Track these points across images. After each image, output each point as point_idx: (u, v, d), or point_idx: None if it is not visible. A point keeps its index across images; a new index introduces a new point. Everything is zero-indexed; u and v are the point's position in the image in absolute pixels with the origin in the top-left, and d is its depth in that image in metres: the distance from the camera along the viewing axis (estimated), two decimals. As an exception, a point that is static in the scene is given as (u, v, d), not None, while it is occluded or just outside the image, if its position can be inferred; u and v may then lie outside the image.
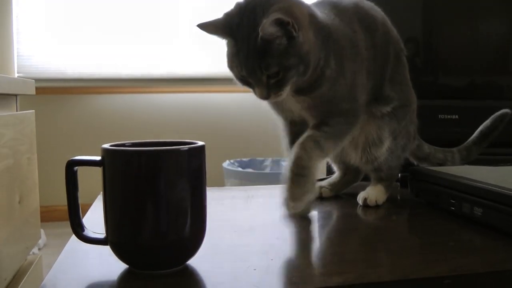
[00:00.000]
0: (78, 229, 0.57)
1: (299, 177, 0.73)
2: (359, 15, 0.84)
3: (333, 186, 0.94)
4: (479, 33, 1.65)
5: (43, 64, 3.12)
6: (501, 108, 1.51)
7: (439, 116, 1.47)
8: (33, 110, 1.12)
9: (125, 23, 3.19)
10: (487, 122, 1.01)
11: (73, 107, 3.19)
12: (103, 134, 3.18)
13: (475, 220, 0.73)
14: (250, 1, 0.71)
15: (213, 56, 3.03)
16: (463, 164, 1.00)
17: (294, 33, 0.68)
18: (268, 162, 3.15)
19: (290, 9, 0.70)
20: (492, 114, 1.51)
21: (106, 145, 0.56)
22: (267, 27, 0.65)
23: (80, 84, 3.17)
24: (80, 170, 0.56)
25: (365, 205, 0.85)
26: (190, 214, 0.55)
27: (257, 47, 0.68)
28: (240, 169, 2.95)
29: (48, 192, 2.51)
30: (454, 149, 1.01)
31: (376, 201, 0.85)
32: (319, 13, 0.77)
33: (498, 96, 1.59)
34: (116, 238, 0.55)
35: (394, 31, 0.90)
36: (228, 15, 0.72)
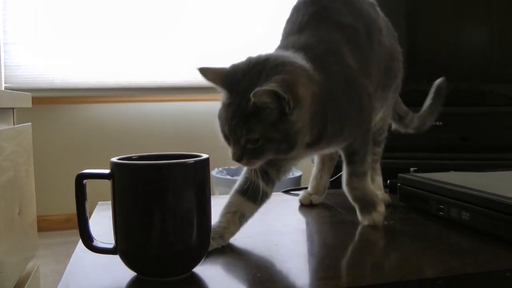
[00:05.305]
0: (87, 240, 0.60)
1: (368, 205, 0.82)
2: (345, 36, 0.82)
3: (318, 187, 0.96)
4: (462, 40, 1.69)
5: (30, 75, 3.12)
6: (484, 114, 1.56)
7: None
8: (30, 123, 1.13)
9: (116, 32, 3.19)
10: (431, 96, 1.07)
11: (61, 117, 3.19)
12: (91, 143, 3.18)
13: (463, 224, 0.76)
14: (261, 62, 0.69)
15: (201, 65, 3.05)
16: (417, 131, 1.08)
17: (287, 110, 0.65)
18: (256, 169, 3.17)
19: (293, 85, 0.66)
20: (475, 120, 1.56)
21: (115, 159, 0.58)
22: (260, 94, 0.62)
23: (68, 94, 3.17)
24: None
25: None
26: (196, 224, 0.58)
27: (247, 108, 0.65)
28: (229, 177, 2.97)
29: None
30: (415, 115, 1.07)
31: (389, 201, 0.94)
32: (320, 75, 0.72)
33: (482, 103, 1.63)
34: (125, 248, 0.58)
35: (371, 18, 0.88)
36: (234, 68, 0.70)
